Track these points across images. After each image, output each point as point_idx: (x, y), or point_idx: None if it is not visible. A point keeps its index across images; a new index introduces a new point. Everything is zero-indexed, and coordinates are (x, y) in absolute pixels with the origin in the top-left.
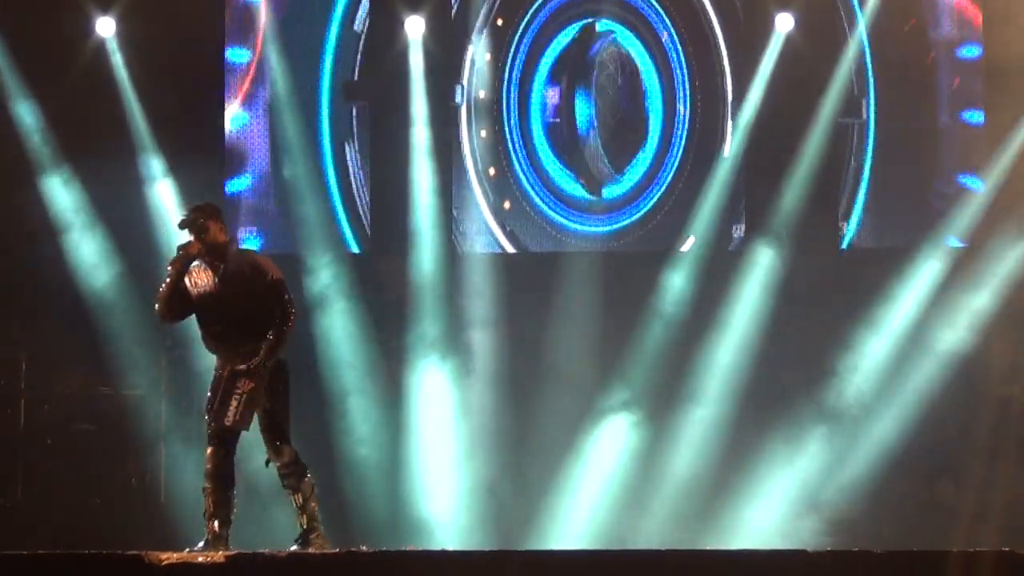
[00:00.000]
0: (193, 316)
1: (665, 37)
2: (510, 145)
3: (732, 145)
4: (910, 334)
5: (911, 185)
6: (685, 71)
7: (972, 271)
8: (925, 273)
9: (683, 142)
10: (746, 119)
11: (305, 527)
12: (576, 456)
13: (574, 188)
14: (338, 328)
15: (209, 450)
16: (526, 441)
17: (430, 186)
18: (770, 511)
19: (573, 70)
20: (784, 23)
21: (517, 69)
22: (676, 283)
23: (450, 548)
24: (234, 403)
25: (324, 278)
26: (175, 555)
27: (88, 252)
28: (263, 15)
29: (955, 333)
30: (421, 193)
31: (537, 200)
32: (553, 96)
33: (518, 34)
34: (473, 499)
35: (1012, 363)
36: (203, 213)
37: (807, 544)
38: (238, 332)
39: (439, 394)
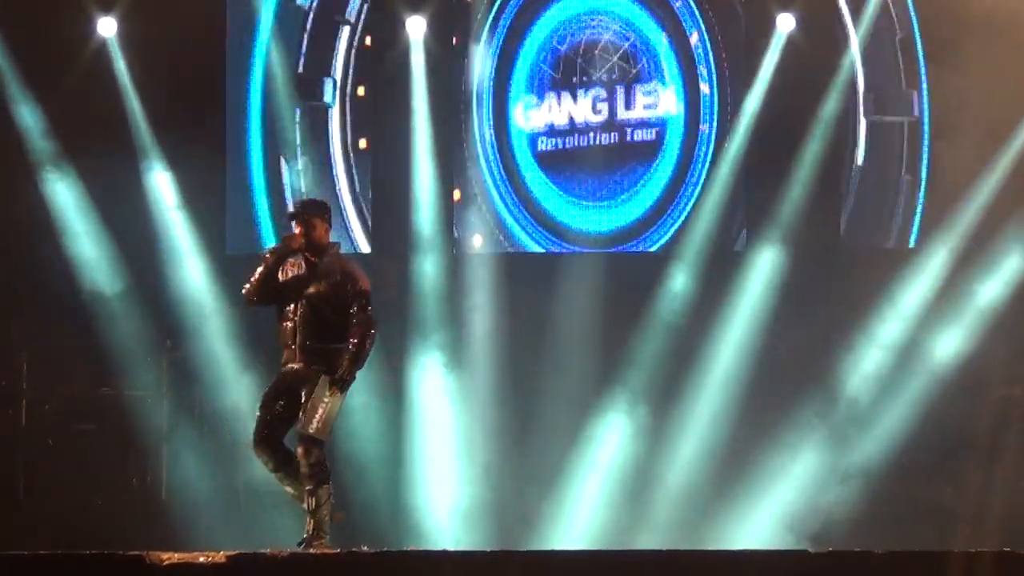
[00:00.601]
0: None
1: (695, 39)
2: (481, 162)
3: (734, 145)
4: (911, 335)
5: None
6: (714, 80)
7: (974, 271)
8: (926, 273)
9: (706, 163)
10: (748, 119)
11: (311, 533)
12: (577, 456)
13: (569, 215)
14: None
15: (257, 450)
16: (527, 441)
17: (431, 186)
18: (771, 511)
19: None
20: (785, 23)
21: (492, 65)
22: (677, 284)
23: (450, 548)
24: (320, 412)
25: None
26: (176, 555)
27: (89, 252)
28: None
29: (956, 334)
30: (422, 193)
31: (519, 232)
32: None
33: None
34: (473, 499)
35: (1013, 364)
36: (311, 209)
37: (808, 544)
38: (311, 331)
39: (440, 393)
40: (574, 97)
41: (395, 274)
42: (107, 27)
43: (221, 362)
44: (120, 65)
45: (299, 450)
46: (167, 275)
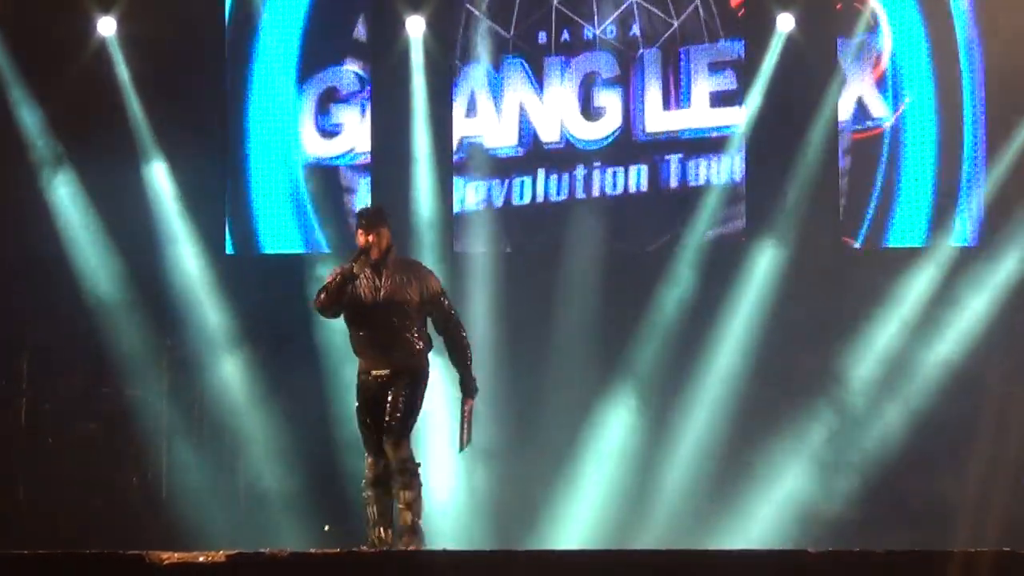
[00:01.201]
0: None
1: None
2: None
3: (735, 144)
4: (912, 333)
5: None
6: None
7: (975, 270)
8: (927, 272)
9: None
10: (749, 117)
11: (408, 524)
12: (578, 454)
13: None
14: (339, 325)
15: (370, 459)
16: (528, 438)
17: (429, 186)
18: (772, 510)
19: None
20: (785, 23)
21: None
22: (678, 283)
23: (449, 544)
24: (466, 425)
25: (325, 276)
26: (176, 555)
27: (89, 252)
28: None
29: (957, 332)
30: (421, 193)
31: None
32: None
33: None
34: (473, 496)
35: (1012, 362)
36: (380, 219)
37: (808, 544)
38: (397, 337)
39: (440, 393)
40: None
41: None
42: (107, 27)
43: (221, 362)
44: (120, 65)
45: (389, 444)
46: (167, 275)
